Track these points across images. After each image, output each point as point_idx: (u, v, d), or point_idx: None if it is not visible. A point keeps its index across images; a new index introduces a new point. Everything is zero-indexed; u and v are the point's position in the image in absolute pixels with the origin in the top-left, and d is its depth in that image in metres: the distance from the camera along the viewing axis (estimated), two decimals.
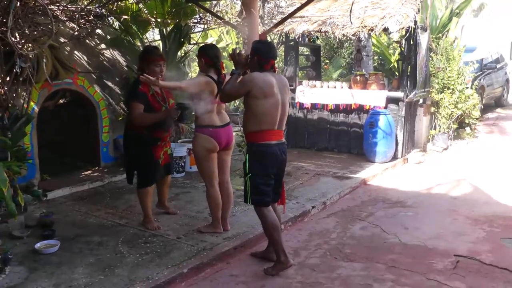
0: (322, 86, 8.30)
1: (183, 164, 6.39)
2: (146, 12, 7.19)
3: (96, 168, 6.55)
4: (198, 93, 3.57)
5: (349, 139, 8.06)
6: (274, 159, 3.19)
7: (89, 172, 6.40)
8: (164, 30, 7.16)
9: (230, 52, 3.27)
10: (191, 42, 8.36)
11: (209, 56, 3.76)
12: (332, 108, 8.13)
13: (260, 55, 3.18)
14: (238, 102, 10.97)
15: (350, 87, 8.05)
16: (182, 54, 7.79)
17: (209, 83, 3.65)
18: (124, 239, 4.07)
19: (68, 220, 4.62)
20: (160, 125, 3.88)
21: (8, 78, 4.12)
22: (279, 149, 3.22)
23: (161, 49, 6.83)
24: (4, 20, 3.68)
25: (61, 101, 6.69)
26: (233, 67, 3.34)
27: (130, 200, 5.27)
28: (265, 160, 3.15)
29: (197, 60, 3.91)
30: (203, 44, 6.17)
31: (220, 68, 3.75)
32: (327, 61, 13.45)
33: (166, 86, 3.50)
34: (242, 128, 3.91)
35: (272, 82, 3.12)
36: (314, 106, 8.31)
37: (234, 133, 4.27)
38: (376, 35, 9.25)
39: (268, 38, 10.39)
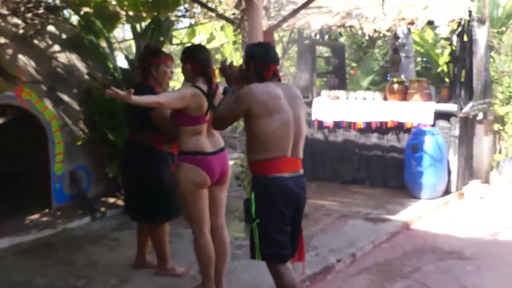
0: (347, 98, 8.45)
1: None
2: (114, 3, 7.31)
3: (46, 210, 6.58)
4: (184, 109, 3.65)
5: (385, 167, 8.24)
6: (289, 197, 3.19)
7: (37, 216, 6.43)
8: (138, 26, 7.35)
9: (219, 66, 3.38)
10: (174, 42, 8.43)
11: (196, 60, 3.83)
12: (361, 127, 8.27)
13: (256, 61, 3.24)
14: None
15: (385, 99, 8.25)
16: None
17: (197, 96, 3.72)
18: None
19: (7, 282, 4.61)
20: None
21: None
22: (296, 184, 3.23)
23: (135, 51, 7.26)
24: None
25: None
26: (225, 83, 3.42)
27: (92, 254, 5.29)
28: (277, 199, 3.15)
29: (181, 66, 3.96)
30: (189, 44, 6.40)
31: (211, 76, 3.81)
32: (354, 64, 13.58)
33: (140, 102, 3.48)
34: (242, 155, 3.92)
35: (277, 94, 3.16)
36: (337, 125, 8.48)
37: (231, 162, 4.30)
38: (418, 30, 9.57)
39: (276, 36, 10.59)
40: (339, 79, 9.59)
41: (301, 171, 3.28)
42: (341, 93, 8.60)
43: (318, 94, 8.68)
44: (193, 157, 3.76)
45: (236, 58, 12.34)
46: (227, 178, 4.00)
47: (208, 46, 11.88)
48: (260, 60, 3.24)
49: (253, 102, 3.10)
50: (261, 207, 3.18)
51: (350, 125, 8.38)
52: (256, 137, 3.16)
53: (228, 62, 3.40)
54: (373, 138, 8.30)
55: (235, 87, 3.29)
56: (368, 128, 8.27)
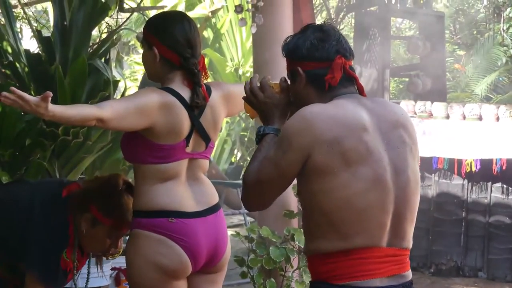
0: (448, 116, 8.05)
1: None
2: None
3: None
4: (146, 132, 3.61)
5: None
6: None
7: None
8: None
9: (244, 84, 3.30)
10: (126, 8, 7.98)
11: (170, 40, 3.67)
12: (473, 170, 7.75)
13: (308, 60, 3.01)
14: (236, 149, 11.61)
15: None
16: (103, 37, 7.41)
17: (169, 107, 3.58)
18: None
19: None
20: None
21: None
22: None
23: (53, 23, 6.96)
24: None
25: None
26: (254, 116, 3.37)
27: None
28: None
29: (141, 52, 4.08)
30: (156, 11, 6.67)
31: (198, 70, 3.65)
32: (461, 52, 13.47)
33: (63, 116, 3.37)
34: (249, 219, 4.62)
35: (359, 121, 2.92)
36: (427, 165, 7.97)
37: (230, 231, 4.51)
38: None
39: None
40: (432, 79, 9.21)
41: (408, 274, 2.96)
42: (437, 106, 8.07)
43: None
44: (160, 220, 3.61)
45: (242, 38, 12.76)
46: (224, 262, 3.81)
47: (191, 14, 11.69)
48: (316, 55, 2.98)
49: (313, 141, 2.84)
50: None
51: (451, 167, 7.89)
52: (320, 210, 2.88)
53: (258, 79, 3.27)
54: (496, 193, 7.78)
55: (278, 124, 3.12)
56: (485, 173, 7.71)
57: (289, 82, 3.16)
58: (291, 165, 2.92)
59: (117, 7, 7.41)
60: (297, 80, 3.05)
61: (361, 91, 3.08)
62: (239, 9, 7.07)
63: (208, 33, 13.41)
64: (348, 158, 2.86)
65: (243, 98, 3.29)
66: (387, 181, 2.91)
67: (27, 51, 6.75)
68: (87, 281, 4.36)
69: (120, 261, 5.78)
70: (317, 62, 3.01)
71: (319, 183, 2.89)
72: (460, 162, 7.74)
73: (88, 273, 4.47)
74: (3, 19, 6.87)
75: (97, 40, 7.48)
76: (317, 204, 2.91)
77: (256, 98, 3.20)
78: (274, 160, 2.95)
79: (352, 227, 2.88)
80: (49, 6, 8.37)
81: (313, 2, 7.44)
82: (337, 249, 2.88)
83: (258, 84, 3.22)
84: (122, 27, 8.28)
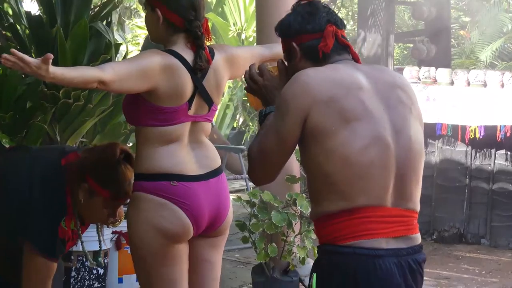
0: (452, 82, 8.05)
1: (100, 272, 6.05)
2: None
3: None
4: (148, 95, 3.61)
5: None
6: None
7: None
8: None
9: (244, 73, 3.32)
10: None
11: (173, 3, 3.63)
12: (477, 137, 7.80)
13: (301, 33, 3.06)
14: (238, 114, 11.36)
15: None
16: (104, 0, 7.30)
17: (172, 69, 3.55)
18: None
19: None
20: None
21: None
22: (401, 266, 2.89)
23: None
24: None
25: None
26: (254, 101, 3.43)
27: None
28: None
29: (143, 16, 4.13)
30: None
31: (201, 32, 3.63)
32: (466, 18, 13.50)
33: (65, 78, 3.35)
34: (247, 181, 4.47)
35: (354, 81, 2.96)
36: (431, 132, 8.06)
37: (232, 196, 4.44)
38: None
39: None
40: (437, 46, 9.22)
41: (417, 237, 2.96)
42: (441, 72, 8.07)
43: (399, 72, 8.19)
44: (162, 184, 3.61)
45: (245, 2, 12.96)
46: (225, 226, 3.81)
47: None
48: (308, 28, 3.06)
49: (310, 102, 2.88)
50: None
51: (454, 133, 7.97)
52: (321, 172, 2.89)
53: (256, 66, 3.28)
54: (499, 160, 7.86)
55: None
56: (489, 140, 7.77)
57: (286, 63, 3.20)
58: (290, 130, 2.93)
59: None
60: (293, 57, 3.09)
61: (356, 59, 3.12)
62: None
63: None
64: (346, 116, 2.88)
65: (245, 88, 3.33)
66: (387, 139, 2.91)
67: (28, 14, 6.72)
68: (100, 244, 4.39)
69: (121, 225, 5.94)
70: (310, 34, 3.05)
71: (319, 145, 2.90)
72: (464, 128, 7.78)
73: (99, 236, 4.50)
74: None
75: (99, 3, 7.42)
76: (318, 166, 2.92)
77: (256, 84, 3.22)
78: (275, 127, 2.98)
79: (354, 186, 2.89)
80: None
81: None
82: (340, 209, 2.88)
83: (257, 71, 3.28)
84: None
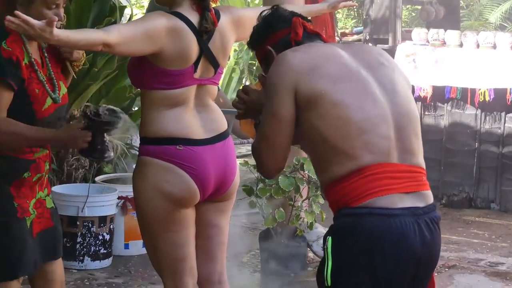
0: (461, 45, 8.01)
1: (106, 238, 6.19)
2: None
3: None
4: (154, 57, 3.61)
5: None
6: (399, 254, 2.92)
7: None
8: None
9: (232, 102, 3.55)
10: None
11: None
12: (487, 100, 7.77)
13: (270, 32, 3.20)
14: (245, 78, 11.87)
15: None
16: None
17: (178, 31, 3.61)
18: None
19: None
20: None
21: None
22: (417, 222, 2.92)
23: None
24: None
25: None
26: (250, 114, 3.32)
27: None
28: (374, 258, 2.89)
29: None
30: None
31: None
32: None
33: (70, 41, 3.41)
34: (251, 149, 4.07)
35: (332, 52, 3.09)
36: (440, 95, 8.08)
37: (239, 161, 4.46)
38: None
39: None
40: (446, 7, 9.23)
41: (429, 194, 3.00)
42: (450, 34, 8.01)
43: (406, 36, 8.45)
44: (167, 148, 3.68)
45: None
46: (232, 191, 3.90)
47: None
48: (278, 27, 3.19)
49: (295, 76, 2.97)
50: (342, 268, 2.93)
51: (464, 97, 7.85)
52: (321, 137, 2.95)
53: (241, 88, 3.41)
54: (509, 123, 7.82)
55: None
56: (499, 103, 7.69)
57: (264, 74, 3.24)
58: (283, 105, 2.99)
59: None
60: (271, 60, 3.13)
61: (324, 41, 3.26)
62: None
63: None
64: (332, 78, 2.96)
65: (236, 117, 3.40)
66: (377, 95, 2.99)
67: None
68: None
69: (127, 190, 5.94)
70: (279, 31, 3.16)
71: (313, 112, 2.95)
72: (473, 91, 7.73)
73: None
74: None
75: None
76: (317, 133, 2.96)
77: (244, 103, 3.29)
78: (269, 110, 3.03)
79: (355, 143, 2.92)
80: None
81: None
82: (348, 171, 2.91)
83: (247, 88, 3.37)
84: None
